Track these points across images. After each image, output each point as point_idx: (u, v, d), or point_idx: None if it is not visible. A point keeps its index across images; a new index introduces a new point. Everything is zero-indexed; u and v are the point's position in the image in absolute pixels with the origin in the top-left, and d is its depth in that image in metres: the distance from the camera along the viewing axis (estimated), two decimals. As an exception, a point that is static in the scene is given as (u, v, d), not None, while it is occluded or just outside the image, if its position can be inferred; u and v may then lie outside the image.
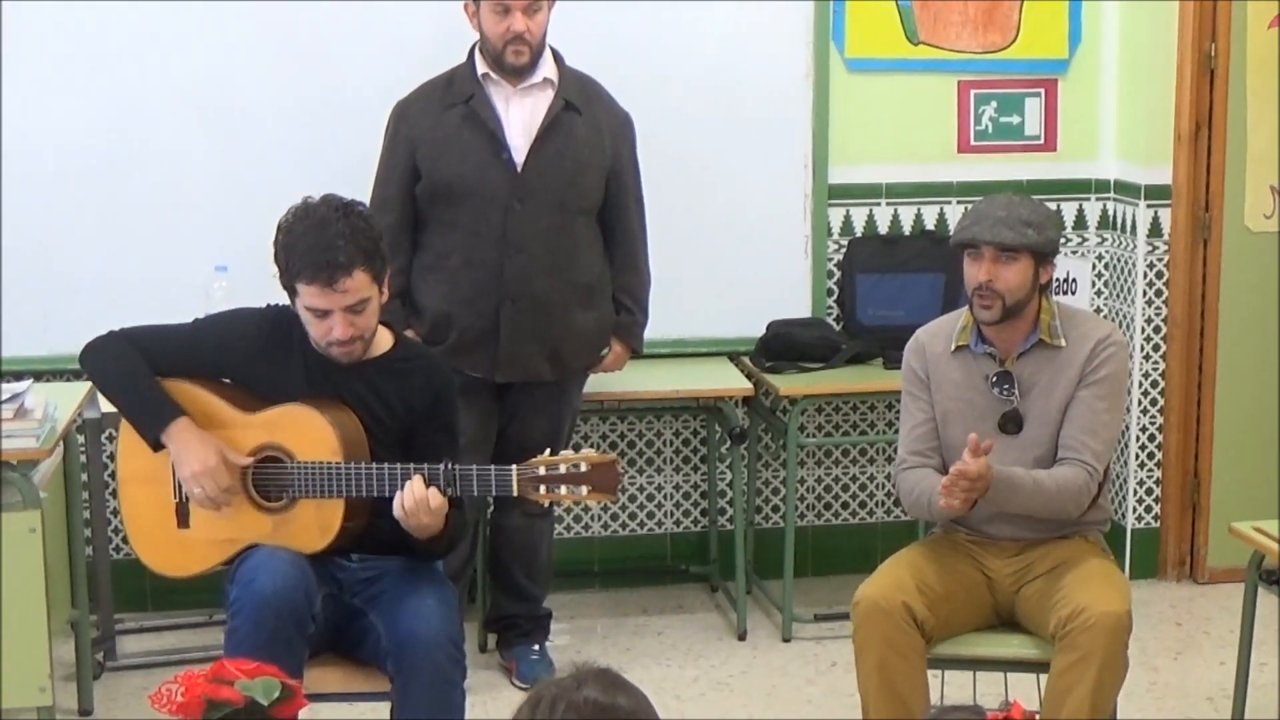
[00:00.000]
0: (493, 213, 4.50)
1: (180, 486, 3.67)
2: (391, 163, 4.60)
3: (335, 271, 3.49)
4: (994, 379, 3.89)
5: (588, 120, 4.59)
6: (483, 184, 4.50)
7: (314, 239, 3.51)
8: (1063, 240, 5.21)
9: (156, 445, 3.64)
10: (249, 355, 3.69)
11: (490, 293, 4.52)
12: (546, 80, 4.56)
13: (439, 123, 4.54)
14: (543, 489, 3.52)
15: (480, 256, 4.51)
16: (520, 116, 4.54)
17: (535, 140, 4.51)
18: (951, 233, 5.38)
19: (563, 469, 3.51)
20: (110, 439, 4.50)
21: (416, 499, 3.49)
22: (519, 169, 4.51)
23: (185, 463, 3.59)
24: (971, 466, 3.64)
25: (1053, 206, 4.08)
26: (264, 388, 3.67)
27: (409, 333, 4.51)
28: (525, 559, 4.83)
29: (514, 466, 3.53)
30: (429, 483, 3.50)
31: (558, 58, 4.61)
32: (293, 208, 3.60)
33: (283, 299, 3.66)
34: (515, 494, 3.54)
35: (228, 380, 3.72)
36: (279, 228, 3.59)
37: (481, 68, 4.55)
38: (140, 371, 3.67)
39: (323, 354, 3.65)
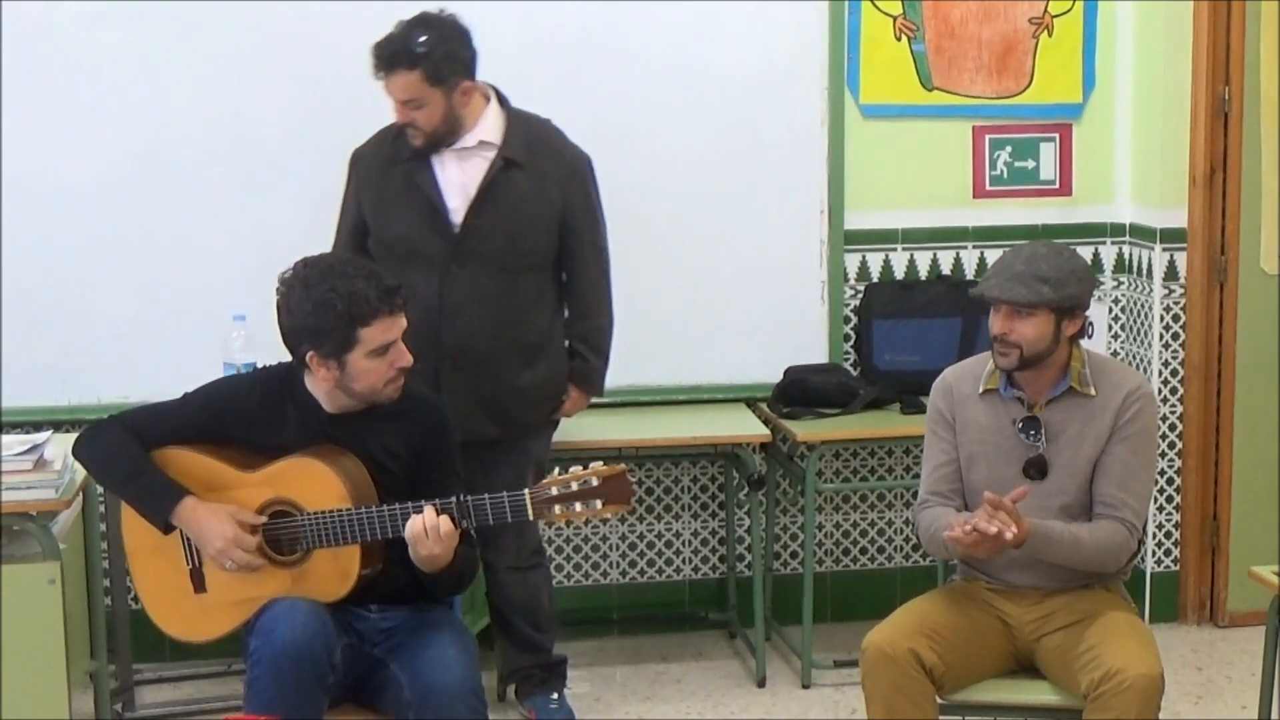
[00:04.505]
0: (431, 276, 4.42)
1: (192, 553, 3.68)
2: (345, 210, 4.59)
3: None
4: (1021, 423, 3.88)
5: (531, 174, 4.48)
6: (422, 246, 4.43)
7: (359, 280, 3.58)
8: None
9: (167, 529, 3.65)
10: (242, 420, 3.70)
11: (429, 355, 4.36)
12: (482, 143, 4.47)
13: (384, 181, 4.50)
14: (558, 509, 3.52)
15: (419, 319, 4.22)
16: (457, 179, 4.46)
17: (473, 203, 4.44)
18: (968, 277, 5.45)
19: (574, 486, 3.51)
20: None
21: (428, 525, 3.49)
22: (456, 230, 4.45)
23: (207, 542, 3.60)
24: (991, 529, 3.64)
25: (1068, 251, 4.04)
26: (261, 447, 3.67)
27: None
28: (527, 610, 4.77)
29: (526, 490, 3.53)
30: (440, 513, 3.51)
31: (505, 104, 4.51)
32: (303, 275, 3.60)
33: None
34: (531, 517, 3.53)
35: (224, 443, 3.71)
36: (307, 295, 3.57)
37: None
38: (138, 457, 3.67)
39: (317, 410, 3.66)
